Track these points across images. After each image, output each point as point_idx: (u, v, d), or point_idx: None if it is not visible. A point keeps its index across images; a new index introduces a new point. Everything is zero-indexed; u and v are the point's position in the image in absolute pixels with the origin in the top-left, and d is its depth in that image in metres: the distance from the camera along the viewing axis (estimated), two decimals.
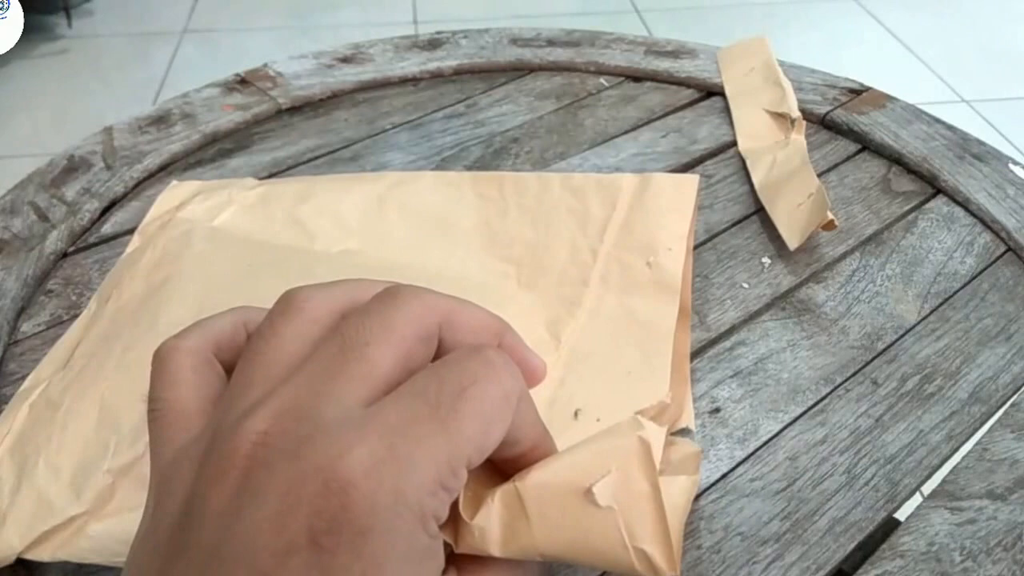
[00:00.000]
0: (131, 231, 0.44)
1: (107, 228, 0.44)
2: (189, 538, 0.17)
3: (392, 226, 0.39)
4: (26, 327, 0.38)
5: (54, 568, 0.28)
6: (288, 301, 0.21)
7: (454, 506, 0.20)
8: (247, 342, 0.21)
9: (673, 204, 0.38)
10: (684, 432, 0.32)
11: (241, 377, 0.20)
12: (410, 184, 0.41)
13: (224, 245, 0.38)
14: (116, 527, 0.27)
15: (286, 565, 0.16)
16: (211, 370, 0.22)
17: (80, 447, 0.29)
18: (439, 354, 0.21)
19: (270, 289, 0.23)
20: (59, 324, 0.38)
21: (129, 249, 0.39)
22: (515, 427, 0.20)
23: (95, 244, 0.43)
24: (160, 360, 0.22)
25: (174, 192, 0.42)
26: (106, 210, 0.46)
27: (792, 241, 0.41)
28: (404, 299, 0.20)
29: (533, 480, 0.21)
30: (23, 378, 0.35)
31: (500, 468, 0.22)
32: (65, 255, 0.43)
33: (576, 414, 0.30)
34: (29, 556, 0.27)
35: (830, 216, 0.39)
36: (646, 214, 0.38)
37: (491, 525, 0.20)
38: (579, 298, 0.35)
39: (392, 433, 0.17)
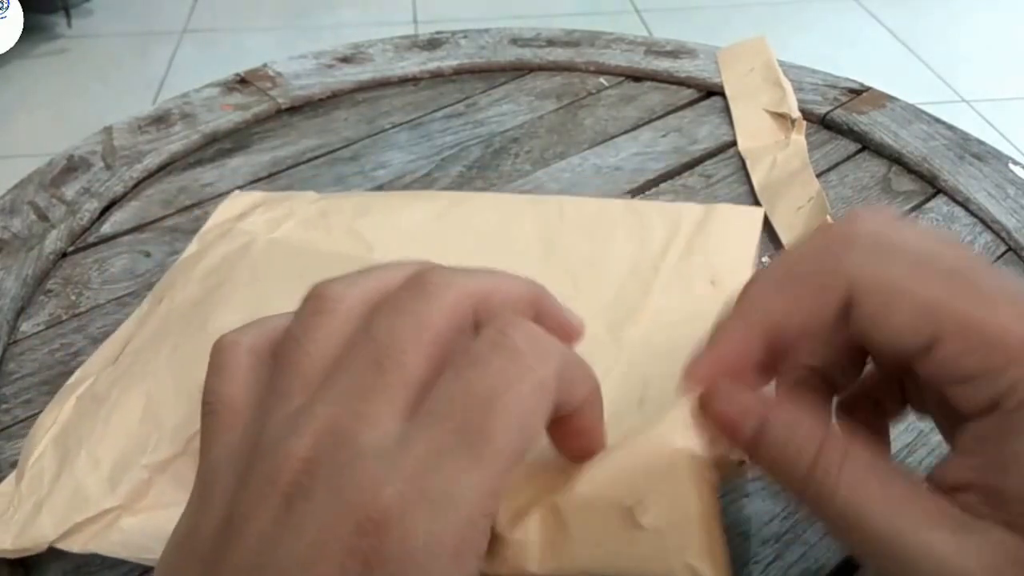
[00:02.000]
0: (131, 231, 0.44)
1: (106, 228, 0.44)
2: (228, 554, 0.17)
3: (451, 240, 0.39)
4: (25, 327, 0.38)
5: (53, 568, 0.28)
6: (318, 300, 0.21)
7: None
8: (280, 343, 0.21)
9: (737, 233, 0.37)
10: None
11: (279, 383, 0.20)
12: (469, 202, 0.42)
13: (281, 255, 0.38)
14: (148, 523, 0.27)
15: None
16: (267, 370, 0.21)
17: (121, 441, 0.29)
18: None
19: None
20: (58, 324, 0.38)
21: (186, 253, 0.39)
22: (561, 393, 0.19)
23: (94, 244, 0.43)
24: (219, 354, 0.21)
25: (235, 202, 0.42)
26: (106, 210, 0.46)
27: (791, 244, 0.41)
28: (436, 289, 0.20)
29: (574, 495, 0.21)
30: (23, 378, 0.36)
31: (550, 432, 0.21)
32: (64, 255, 0.43)
33: (641, 401, 0.29)
34: (61, 546, 0.27)
35: (829, 220, 0.39)
36: (710, 240, 0.37)
37: (530, 539, 0.20)
38: (640, 305, 0.34)
39: (423, 469, 0.17)
